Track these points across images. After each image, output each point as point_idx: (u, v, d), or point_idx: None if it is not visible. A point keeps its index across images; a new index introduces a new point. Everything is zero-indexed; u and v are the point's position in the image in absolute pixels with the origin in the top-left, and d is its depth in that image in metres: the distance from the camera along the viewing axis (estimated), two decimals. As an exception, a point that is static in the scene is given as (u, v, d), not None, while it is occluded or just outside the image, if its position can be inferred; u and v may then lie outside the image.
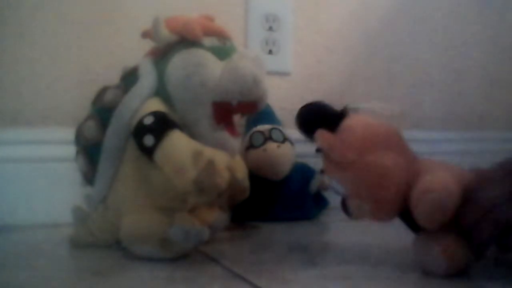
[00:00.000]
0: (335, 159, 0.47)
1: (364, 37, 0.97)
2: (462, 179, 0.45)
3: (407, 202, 0.45)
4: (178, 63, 0.53)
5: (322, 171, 0.51)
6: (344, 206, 0.49)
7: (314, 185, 0.78)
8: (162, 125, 0.50)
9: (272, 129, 0.75)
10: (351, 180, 0.47)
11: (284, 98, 0.90)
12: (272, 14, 0.88)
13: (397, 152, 0.47)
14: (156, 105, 0.53)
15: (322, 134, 0.47)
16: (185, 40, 0.54)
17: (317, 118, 0.50)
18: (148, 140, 0.50)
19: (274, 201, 0.75)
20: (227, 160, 0.54)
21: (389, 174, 0.46)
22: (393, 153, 0.47)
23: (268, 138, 0.74)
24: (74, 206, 0.59)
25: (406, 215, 0.47)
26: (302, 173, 0.78)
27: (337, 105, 0.98)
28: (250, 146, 0.74)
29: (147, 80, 0.54)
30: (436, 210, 0.43)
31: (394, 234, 0.66)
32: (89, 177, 0.56)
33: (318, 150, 0.49)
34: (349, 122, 0.49)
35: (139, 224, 0.51)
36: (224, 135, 0.54)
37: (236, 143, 0.56)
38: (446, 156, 0.62)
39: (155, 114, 0.51)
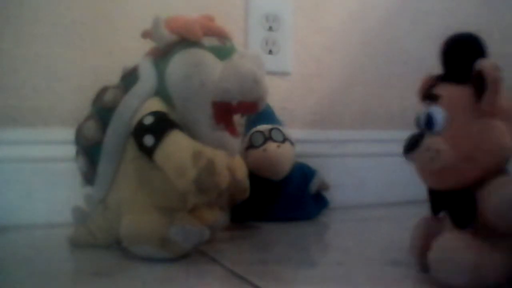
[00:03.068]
0: (487, 102, 0.42)
1: (364, 37, 0.97)
2: None
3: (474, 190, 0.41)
4: (178, 63, 0.53)
5: (432, 96, 0.43)
6: (413, 141, 0.43)
7: (314, 185, 0.78)
8: (162, 125, 0.50)
9: (272, 129, 0.75)
10: (469, 125, 0.42)
11: (284, 98, 0.90)
12: (272, 14, 0.88)
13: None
14: (156, 105, 0.53)
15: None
16: (185, 40, 0.54)
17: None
18: (148, 140, 0.50)
19: (274, 201, 0.75)
20: (227, 160, 0.54)
21: (503, 149, 0.42)
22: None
23: (268, 138, 0.74)
24: (74, 206, 0.59)
25: (463, 203, 0.42)
26: (302, 173, 0.78)
27: (338, 105, 0.97)
28: (250, 146, 0.74)
29: (147, 80, 0.54)
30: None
31: (394, 234, 0.66)
32: (89, 177, 0.56)
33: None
34: None
35: (139, 224, 0.51)
36: (224, 135, 0.54)
37: (236, 143, 0.56)
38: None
39: (155, 114, 0.51)
